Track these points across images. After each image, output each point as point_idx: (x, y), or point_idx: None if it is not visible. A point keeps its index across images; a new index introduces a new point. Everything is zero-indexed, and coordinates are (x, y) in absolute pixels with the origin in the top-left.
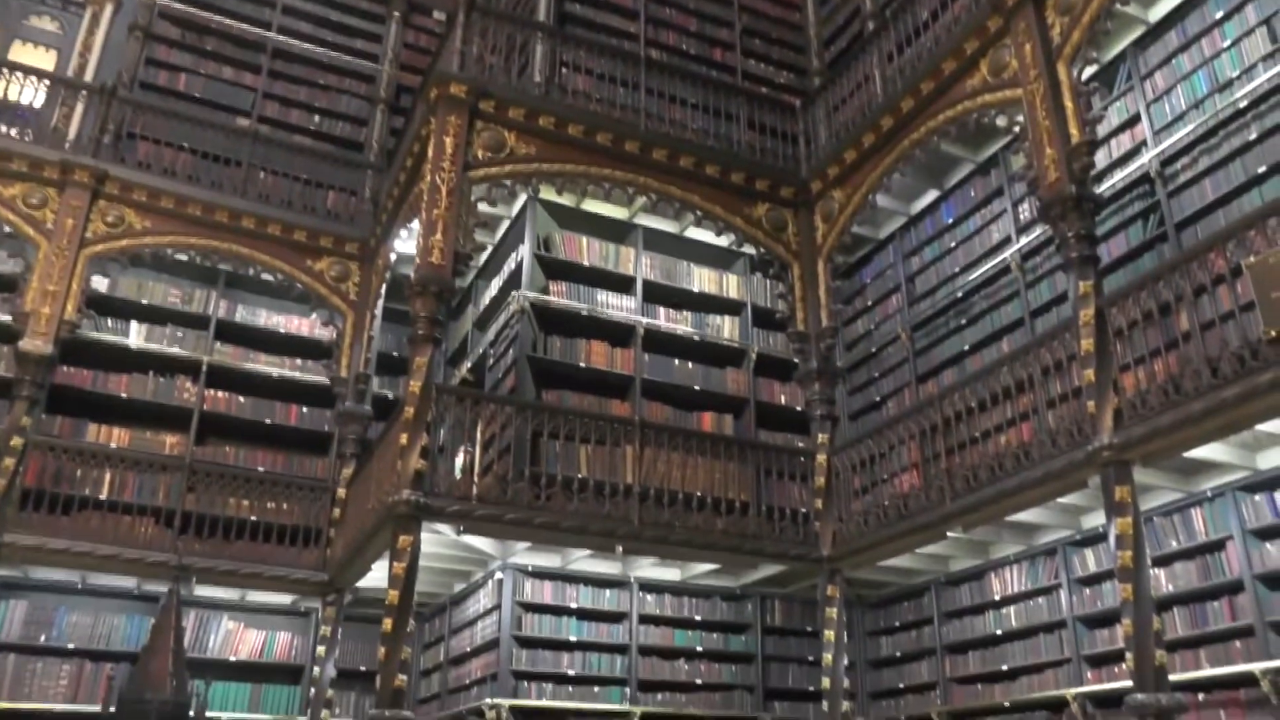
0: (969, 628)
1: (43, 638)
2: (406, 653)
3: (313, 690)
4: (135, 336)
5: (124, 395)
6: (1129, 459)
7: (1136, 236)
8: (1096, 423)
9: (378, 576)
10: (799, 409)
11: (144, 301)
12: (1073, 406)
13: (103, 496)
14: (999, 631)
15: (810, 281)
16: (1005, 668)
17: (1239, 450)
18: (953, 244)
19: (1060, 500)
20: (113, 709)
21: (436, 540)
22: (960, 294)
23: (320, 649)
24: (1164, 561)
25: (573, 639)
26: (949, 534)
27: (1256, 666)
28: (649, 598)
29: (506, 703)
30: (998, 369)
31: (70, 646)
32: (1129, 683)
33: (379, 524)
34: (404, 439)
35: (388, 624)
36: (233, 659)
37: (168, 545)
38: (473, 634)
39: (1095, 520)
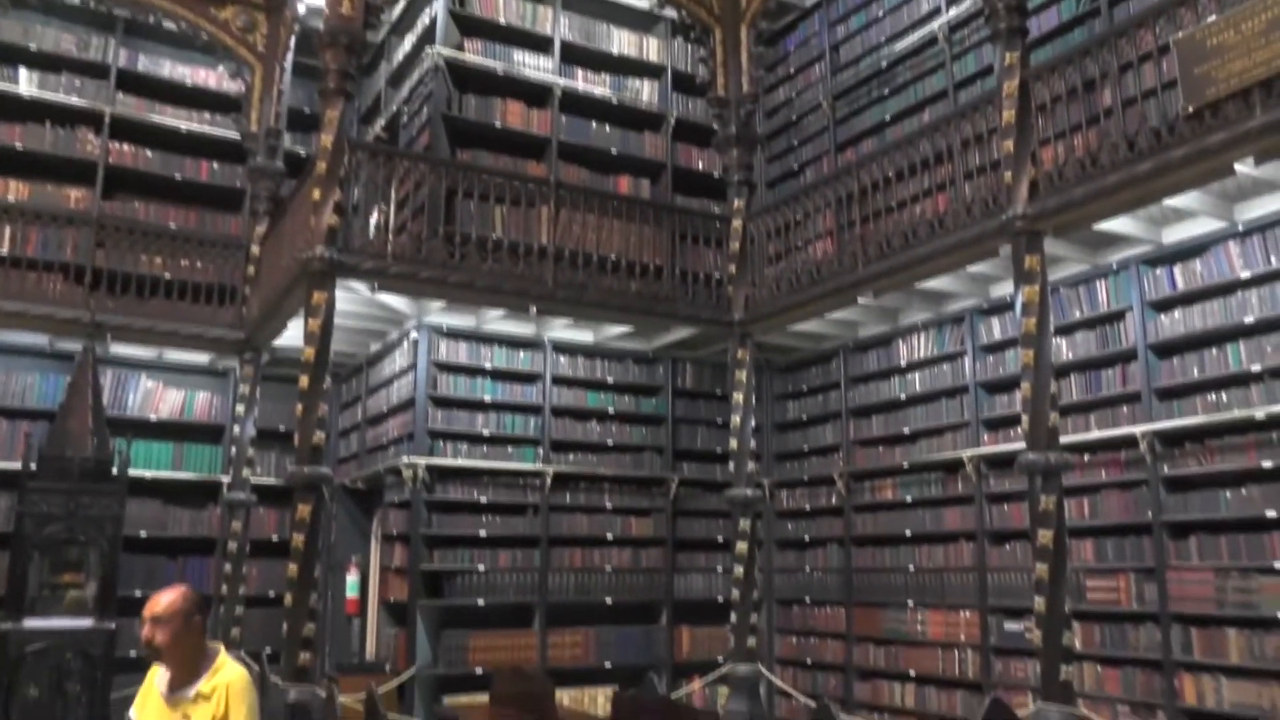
0: (874, 392)
1: None
2: (324, 410)
3: (233, 449)
4: (26, 84)
5: (19, 146)
6: (1041, 229)
7: (1069, 10)
8: (1012, 193)
9: (294, 335)
10: (716, 175)
11: (32, 47)
12: (990, 179)
13: (4, 251)
14: (903, 396)
15: (732, 47)
16: (907, 431)
17: (1146, 224)
18: (880, 14)
19: (970, 269)
20: (33, 466)
21: (351, 299)
22: (885, 64)
23: (239, 408)
24: (1066, 331)
25: (487, 399)
26: (860, 300)
27: (1138, 429)
28: (562, 359)
29: (423, 461)
30: (918, 139)
31: None
32: (1022, 445)
33: (293, 281)
34: (317, 194)
35: (304, 381)
36: (153, 418)
37: (79, 302)
38: (389, 394)
39: (1003, 290)
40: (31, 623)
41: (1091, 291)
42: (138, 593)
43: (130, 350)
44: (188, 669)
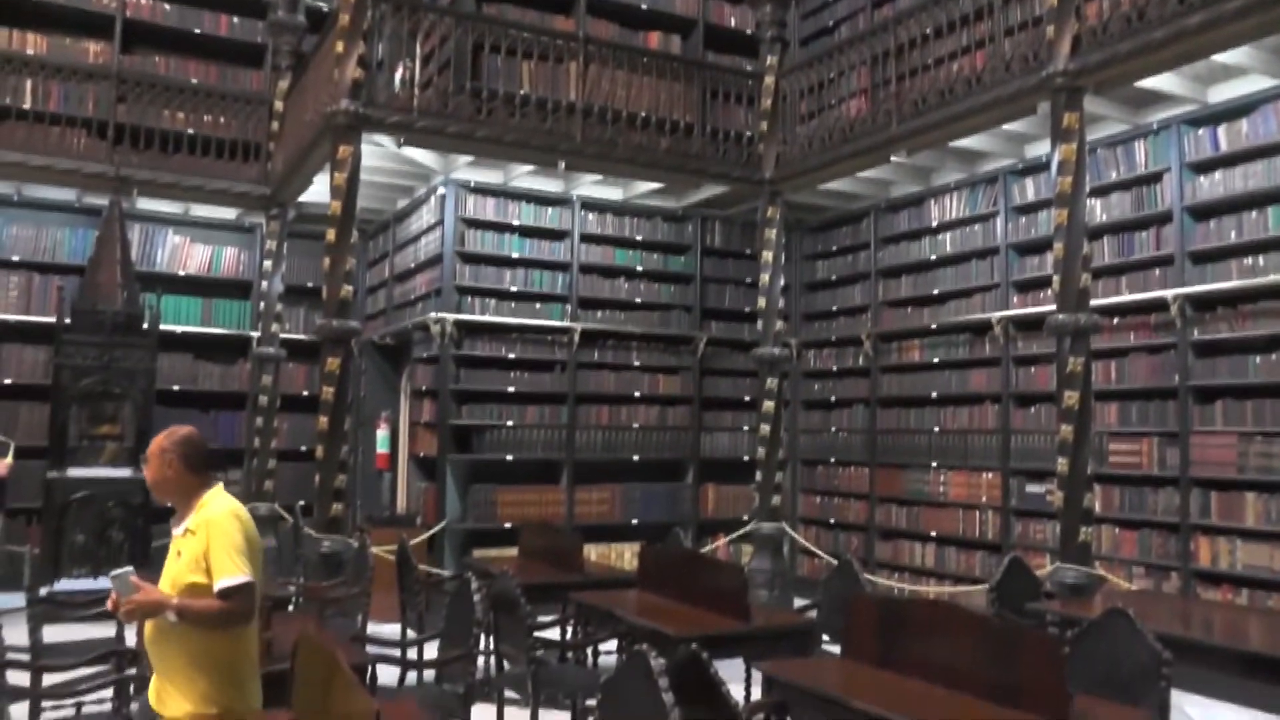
0: (904, 253)
1: None
2: (351, 265)
3: (261, 304)
4: None
5: None
6: (1082, 85)
7: None
8: (1053, 49)
9: (319, 190)
10: (749, 32)
11: None
12: (1031, 34)
13: (26, 106)
14: (933, 257)
15: None
16: (936, 292)
17: (1191, 83)
18: None
19: (1006, 128)
20: (67, 320)
21: (377, 153)
22: None
23: (267, 264)
24: (1101, 192)
25: (515, 256)
26: (892, 158)
27: (1169, 292)
28: (591, 216)
29: (451, 317)
30: None
31: (15, 259)
32: (1052, 307)
33: (318, 136)
34: (340, 48)
35: (331, 235)
36: (181, 273)
37: (103, 157)
38: (416, 250)
39: (1039, 150)
40: (74, 472)
41: (1129, 152)
42: None
43: (156, 206)
44: (181, 507)
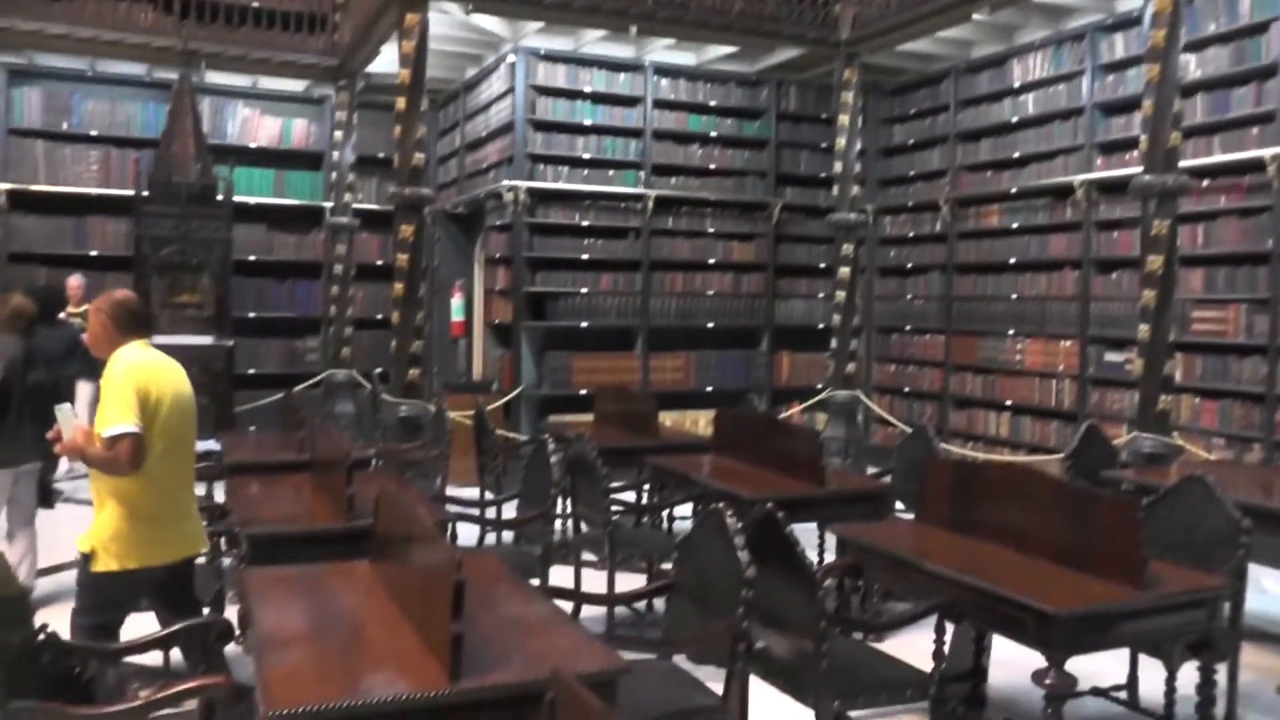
0: (984, 115)
1: (64, 124)
2: (421, 132)
3: (333, 175)
4: None
5: None
6: None
7: None
8: None
9: (388, 60)
10: None
11: None
12: None
13: None
14: (1014, 119)
15: None
16: (1017, 155)
17: None
18: None
19: None
20: (145, 193)
21: (445, 21)
22: None
23: (337, 135)
24: (1196, 46)
25: (587, 123)
26: (974, 16)
27: (1267, 152)
28: (664, 82)
29: (524, 185)
30: None
31: (93, 133)
32: (1138, 169)
33: (385, 4)
34: None
35: (401, 103)
36: (252, 145)
37: (171, 31)
38: (487, 119)
39: (1130, 4)
40: (158, 339)
41: (1231, 2)
42: (250, 314)
43: (226, 79)
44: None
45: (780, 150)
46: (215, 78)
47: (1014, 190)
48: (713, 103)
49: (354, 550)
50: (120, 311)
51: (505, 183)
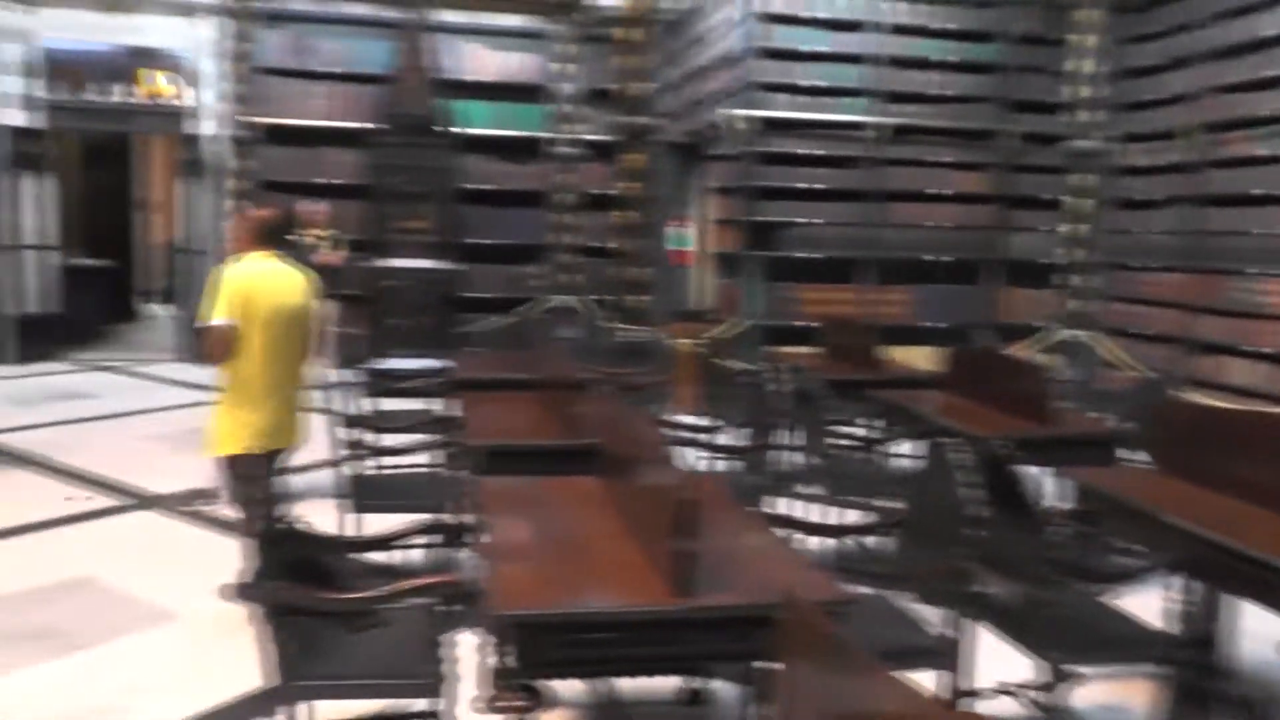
0: (1240, 30)
1: (307, 63)
2: (646, 62)
3: (557, 106)
4: None
5: None
6: None
7: None
8: None
9: None
10: None
11: None
12: None
13: None
14: (1274, 32)
15: None
16: (1275, 74)
17: None
18: None
19: None
20: (377, 125)
21: None
22: None
23: (560, 67)
24: None
25: (815, 49)
26: None
27: None
28: (892, 6)
29: (750, 114)
30: None
31: (332, 70)
32: None
33: None
34: None
35: (625, 33)
36: (478, 80)
37: None
38: (713, 47)
39: None
40: (390, 262)
41: None
42: (478, 240)
43: (452, 16)
44: None
45: (1013, 74)
46: (444, 15)
47: (1270, 114)
48: (945, 25)
49: (579, 467)
50: (260, 228)
51: (731, 111)
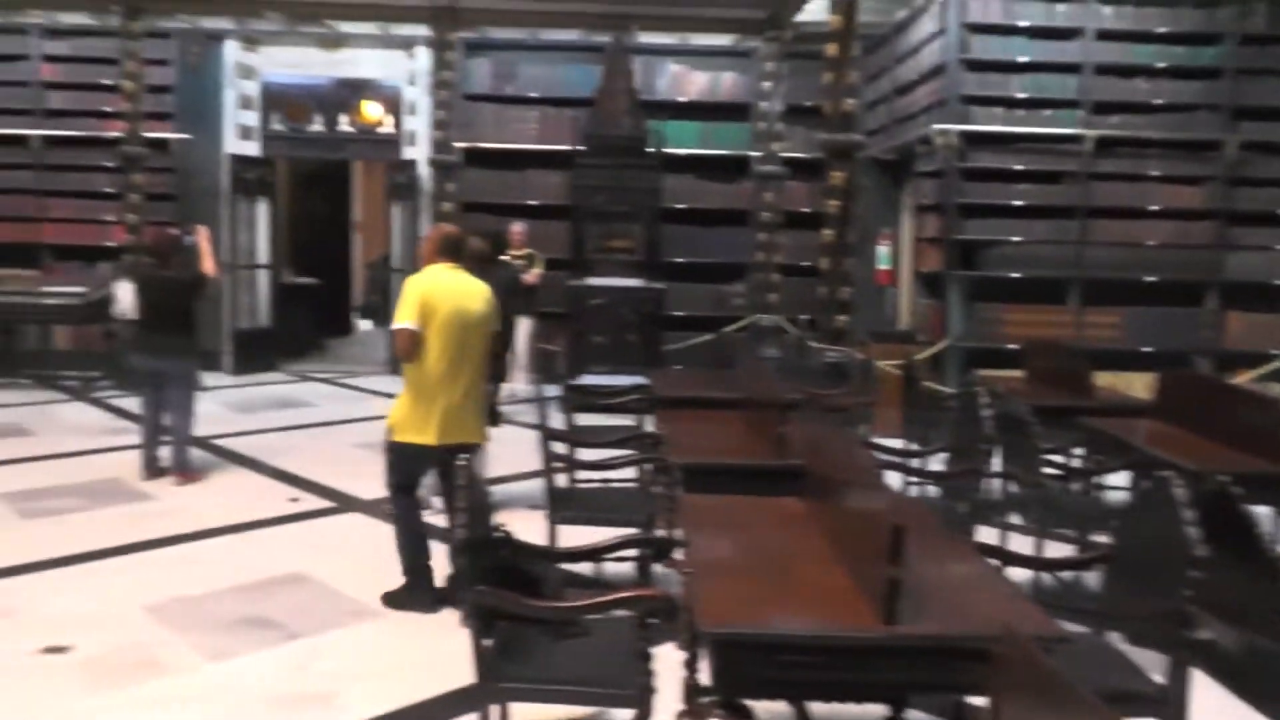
0: None
1: (509, 89)
2: (852, 77)
3: (761, 124)
4: None
5: None
6: None
7: None
8: None
9: (816, 9)
10: None
11: None
12: None
13: None
14: None
15: None
16: None
17: None
18: None
19: None
20: (580, 147)
21: None
22: None
23: (765, 85)
24: None
25: (1023, 60)
26: None
27: None
28: (1107, 10)
29: (955, 129)
30: None
31: (533, 95)
32: None
33: None
34: None
35: (832, 49)
36: (682, 99)
37: None
38: (918, 61)
39: None
40: (592, 281)
41: None
42: (679, 259)
43: (657, 38)
44: None
45: (1239, 78)
46: (647, 37)
47: None
48: (1161, 29)
49: (781, 487)
50: (442, 243)
51: (936, 126)
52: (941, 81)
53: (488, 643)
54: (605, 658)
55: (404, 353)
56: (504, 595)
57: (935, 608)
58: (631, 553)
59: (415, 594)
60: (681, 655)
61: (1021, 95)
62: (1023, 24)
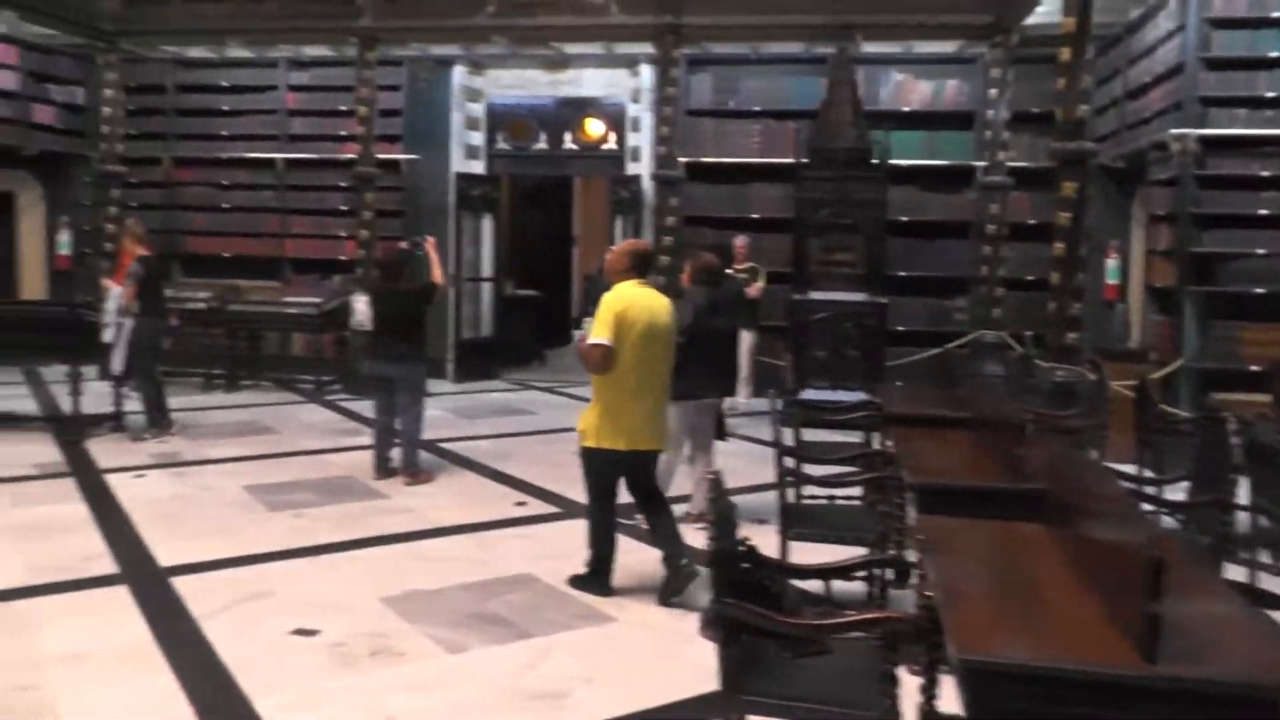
0: None
1: (730, 103)
2: (1086, 81)
3: (986, 133)
4: None
5: None
6: None
7: None
8: None
9: (1045, 12)
10: None
11: None
12: None
13: None
14: None
15: None
16: None
17: None
18: None
19: None
20: (803, 159)
21: None
22: None
23: (991, 92)
24: None
25: (1273, 55)
26: None
27: None
28: None
29: (1193, 133)
30: None
31: (755, 109)
32: None
33: None
34: None
35: (1065, 53)
36: (905, 109)
37: (826, 8)
38: (1152, 62)
39: None
40: (814, 295)
41: None
42: (900, 272)
43: (879, 47)
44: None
45: None
46: (869, 46)
47: None
48: None
49: (1016, 510)
50: (635, 257)
51: (1172, 131)
52: (1178, 82)
53: (729, 654)
54: (847, 678)
55: (597, 367)
56: (753, 610)
57: (1192, 647)
58: (876, 573)
59: (595, 580)
60: (914, 680)
61: (1271, 94)
62: (1276, 14)
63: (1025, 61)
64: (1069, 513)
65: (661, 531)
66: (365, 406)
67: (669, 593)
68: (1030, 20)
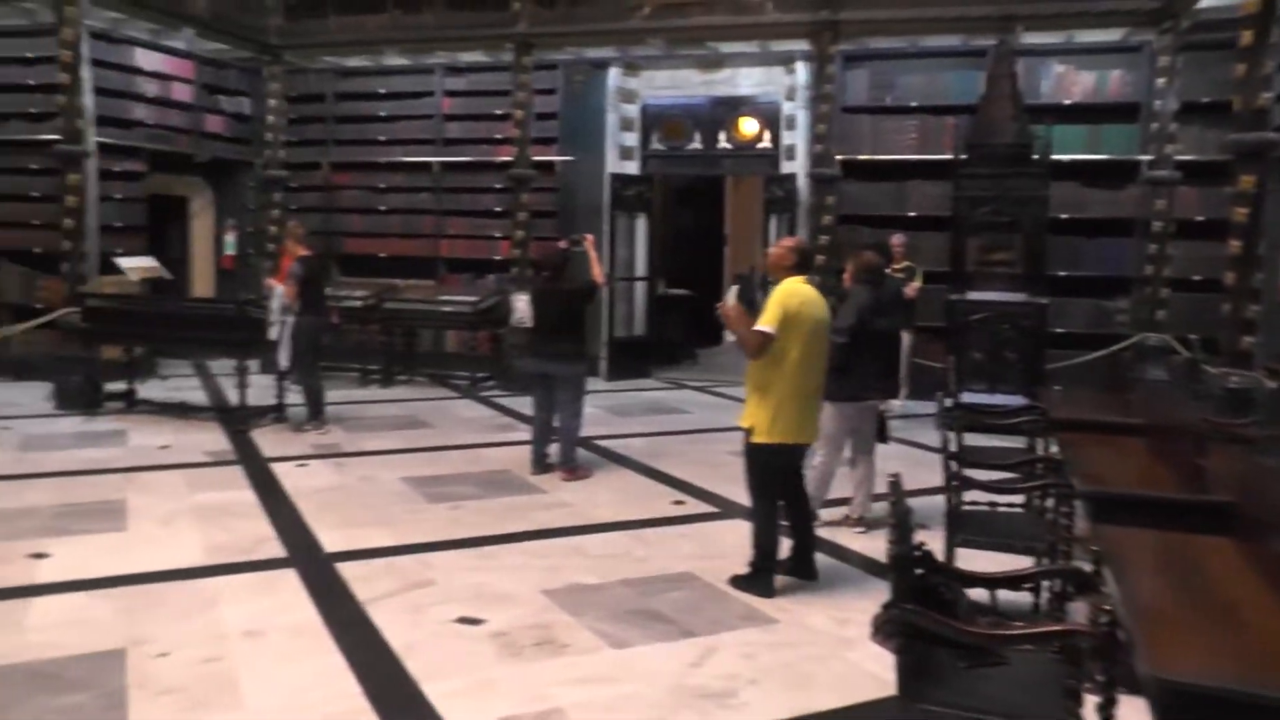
0: None
1: (887, 99)
2: (1269, 68)
3: (1153, 125)
4: None
5: None
6: None
7: None
8: None
9: None
10: None
11: None
12: None
13: None
14: None
15: None
16: None
17: None
18: None
19: None
20: (962, 156)
21: None
22: None
23: (1159, 82)
24: None
25: None
26: None
27: None
28: None
29: None
30: None
31: (912, 104)
32: None
33: None
34: None
35: (1247, 35)
36: (1065, 102)
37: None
38: None
39: None
40: (972, 295)
41: None
42: (1060, 272)
43: (1039, 38)
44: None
45: None
46: (1029, 37)
47: None
48: None
49: (1198, 524)
50: (802, 253)
51: None
52: None
53: (905, 661)
54: (1027, 691)
55: (754, 353)
56: (936, 617)
57: None
58: (1055, 584)
59: (759, 580)
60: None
61: None
62: None
63: (1195, 48)
64: (1267, 530)
65: (801, 525)
66: (520, 403)
67: (781, 571)
68: (1202, 3)
